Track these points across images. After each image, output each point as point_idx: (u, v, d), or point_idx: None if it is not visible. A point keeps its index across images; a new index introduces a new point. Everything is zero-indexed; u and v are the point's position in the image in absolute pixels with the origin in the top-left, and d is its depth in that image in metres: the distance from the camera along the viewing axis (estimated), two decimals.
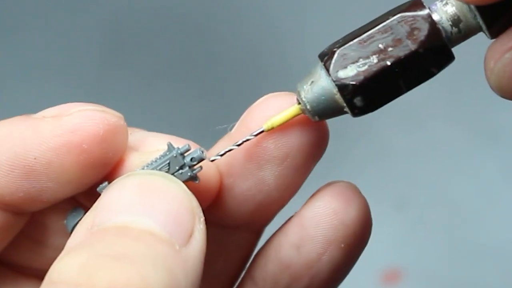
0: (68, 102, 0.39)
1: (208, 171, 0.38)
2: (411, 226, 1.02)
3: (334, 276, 0.40)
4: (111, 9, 1.20)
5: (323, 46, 0.36)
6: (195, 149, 0.37)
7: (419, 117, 1.06)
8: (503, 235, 1.03)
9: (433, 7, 0.35)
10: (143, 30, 1.20)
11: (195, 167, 0.37)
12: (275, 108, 0.38)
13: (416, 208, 1.01)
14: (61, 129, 0.36)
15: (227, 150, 0.38)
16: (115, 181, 0.34)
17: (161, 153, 0.37)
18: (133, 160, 0.38)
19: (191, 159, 0.37)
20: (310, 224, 0.39)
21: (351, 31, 0.36)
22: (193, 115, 1.11)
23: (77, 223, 0.37)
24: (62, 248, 0.38)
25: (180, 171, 0.36)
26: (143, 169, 0.37)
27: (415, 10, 0.35)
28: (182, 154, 0.37)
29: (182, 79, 1.16)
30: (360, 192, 0.40)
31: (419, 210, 1.02)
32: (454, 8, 0.35)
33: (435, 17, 0.35)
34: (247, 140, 0.38)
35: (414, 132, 1.07)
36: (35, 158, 0.36)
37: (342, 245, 0.39)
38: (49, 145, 0.36)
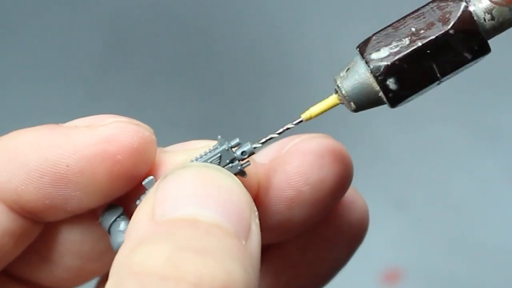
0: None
1: (249, 173, 0.38)
2: (411, 226, 1.02)
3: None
4: (111, 9, 1.20)
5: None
6: (245, 143, 0.37)
7: (419, 117, 1.06)
8: (503, 235, 1.03)
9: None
10: (143, 30, 1.20)
11: (245, 161, 0.37)
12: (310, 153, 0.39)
13: (416, 208, 1.01)
14: (96, 139, 0.36)
15: (268, 138, 0.38)
16: (171, 172, 0.34)
17: (211, 147, 0.37)
18: (179, 156, 0.38)
19: (242, 153, 0.37)
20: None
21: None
22: (193, 115, 1.11)
23: (114, 220, 0.37)
24: (70, 269, 0.40)
25: (230, 164, 0.37)
26: (193, 162, 0.37)
27: (451, 0, 0.35)
28: (232, 147, 0.37)
29: (182, 79, 1.16)
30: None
31: (419, 210, 1.02)
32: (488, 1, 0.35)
33: (471, 7, 0.35)
34: (288, 128, 0.38)
35: (414, 132, 1.07)
36: (67, 166, 0.36)
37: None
38: (83, 153, 0.36)
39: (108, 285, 0.32)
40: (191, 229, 0.32)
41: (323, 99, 0.38)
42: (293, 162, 0.39)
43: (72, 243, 0.40)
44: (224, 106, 1.15)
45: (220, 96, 1.16)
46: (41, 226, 0.39)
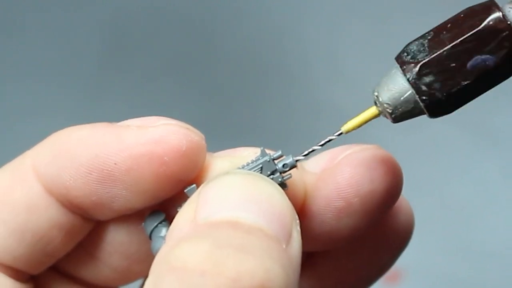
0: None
1: (296, 182, 0.38)
2: None
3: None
4: (111, 9, 1.20)
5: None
6: (287, 156, 0.38)
7: (419, 118, 1.06)
8: (503, 235, 1.03)
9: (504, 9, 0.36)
10: (144, 30, 1.20)
11: (286, 174, 0.37)
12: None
13: (416, 208, 1.01)
14: (145, 139, 0.36)
15: (310, 150, 0.38)
16: (215, 177, 0.35)
17: (253, 157, 0.38)
18: (223, 163, 0.38)
19: (283, 165, 0.37)
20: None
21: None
22: (193, 115, 1.11)
23: (156, 226, 0.38)
24: (116, 269, 0.40)
25: (271, 176, 0.37)
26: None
27: (493, 21, 0.35)
28: (274, 159, 0.37)
29: (182, 79, 1.16)
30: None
31: (419, 210, 1.01)
32: None
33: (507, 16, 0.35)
34: (330, 140, 0.38)
35: (414, 133, 1.07)
36: (115, 164, 0.36)
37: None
38: (131, 152, 0.36)
39: (147, 281, 0.32)
40: (232, 229, 0.32)
41: (362, 110, 0.38)
42: (344, 173, 0.39)
43: (119, 244, 0.40)
44: (224, 106, 1.15)
45: (220, 96, 1.16)
46: (91, 225, 0.40)
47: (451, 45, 0.35)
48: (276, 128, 1.12)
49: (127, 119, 0.39)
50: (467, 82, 0.35)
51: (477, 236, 1.03)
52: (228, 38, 1.19)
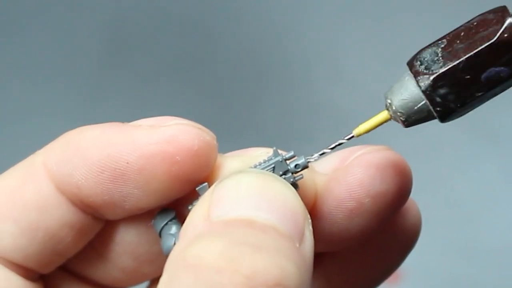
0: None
1: (307, 183, 0.39)
2: None
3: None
4: (111, 9, 1.20)
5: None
6: (300, 157, 0.38)
7: None
8: (504, 235, 1.03)
9: None
10: (144, 30, 1.20)
11: (298, 174, 0.38)
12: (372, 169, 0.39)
13: None
14: (157, 138, 0.37)
15: (321, 153, 0.39)
16: (228, 176, 0.35)
17: (265, 157, 0.38)
18: (235, 163, 0.38)
19: (295, 166, 0.38)
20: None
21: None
22: (193, 115, 1.10)
23: (166, 223, 0.38)
24: (125, 269, 0.41)
25: (283, 176, 0.37)
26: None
27: (507, 30, 0.35)
28: (286, 160, 0.38)
29: (182, 79, 1.16)
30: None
31: (420, 210, 1.02)
32: None
33: None
34: (340, 144, 0.39)
35: (415, 133, 1.07)
36: (127, 163, 0.37)
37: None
38: (143, 151, 0.36)
39: (162, 279, 0.32)
40: (247, 228, 0.32)
41: (374, 114, 0.38)
42: (355, 174, 0.39)
43: (129, 244, 0.40)
44: (224, 106, 1.15)
45: (220, 96, 1.16)
46: (101, 224, 0.40)
47: (465, 57, 0.35)
48: (276, 128, 1.12)
49: (127, 119, 0.39)
50: (481, 93, 0.35)
51: (478, 236, 1.03)
52: (229, 39, 1.19)
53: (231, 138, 1.13)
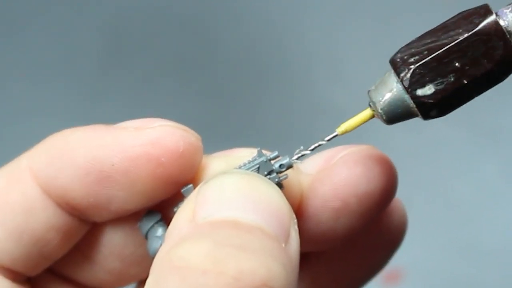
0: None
1: (292, 183, 0.39)
2: (411, 226, 1.02)
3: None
4: (111, 9, 1.20)
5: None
6: (284, 156, 0.38)
7: (419, 118, 1.06)
8: (504, 235, 1.03)
9: (500, 13, 0.36)
10: (144, 30, 1.20)
11: (282, 174, 0.38)
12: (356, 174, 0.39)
13: (416, 208, 1.01)
14: (141, 140, 0.37)
15: (300, 155, 0.39)
16: (213, 177, 0.35)
17: (250, 158, 0.38)
18: (219, 163, 0.39)
19: (280, 166, 0.38)
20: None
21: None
22: (194, 115, 1.11)
23: (152, 226, 0.38)
24: (111, 271, 0.41)
25: (268, 176, 0.37)
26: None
27: (484, 17, 0.35)
28: (271, 160, 0.38)
29: (182, 79, 1.16)
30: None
31: (419, 211, 1.02)
32: None
33: (502, 22, 0.35)
34: (320, 145, 0.39)
35: (414, 133, 1.07)
36: (113, 165, 0.37)
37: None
38: (128, 153, 0.37)
39: (148, 281, 0.32)
40: (232, 229, 0.32)
41: (358, 113, 0.38)
42: (340, 173, 0.39)
43: (114, 246, 0.41)
44: (224, 106, 1.15)
45: (221, 96, 1.16)
46: (87, 226, 0.40)
47: (444, 48, 0.35)
48: (276, 128, 1.12)
49: (127, 119, 0.39)
50: (461, 85, 0.35)
51: (477, 235, 1.03)
52: (228, 39, 1.19)
53: (231, 138, 1.13)
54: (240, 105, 1.14)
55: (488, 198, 1.06)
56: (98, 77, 1.16)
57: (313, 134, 1.21)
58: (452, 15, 0.36)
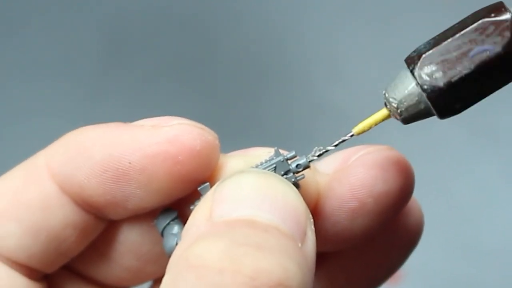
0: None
1: (309, 183, 0.39)
2: None
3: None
4: (111, 9, 1.20)
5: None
6: (301, 157, 0.38)
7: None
8: (504, 235, 1.03)
9: None
10: (144, 30, 1.20)
11: (299, 174, 0.38)
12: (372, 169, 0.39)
13: None
14: (159, 138, 0.37)
15: (324, 150, 0.39)
16: (230, 176, 0.35)
17: (267, 157, 0.38)
18: (236, 162, 0.38)
19: (297, 166, 0.38)
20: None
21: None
22: (194, 115, 1.10)
23: (168, 223, 0.38)
24: (128, 269, 0.41)
25: (285, 176, 0.37)
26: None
27: (496, 15, 0.35)
28: (288, 160, 0.38)
29: (182, 79, 1.16)
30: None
31: (422, 210, 1.02)
32: None
33: None
34: (343, 141, 0.38)
35: (415, 133, 1.07)
36: (130, 163, 0.37)
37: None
38: (145, 151, 0.37)
39: (164, 279, 0.32)
40: (249, 228, 0.32)
41: (373, 113, 0.38)
42: (358, 174, 0.39)
43: (131, 244, 0.41)
44: (224, 106, 1.15)
45: (220, 96, 1.16)
46: (103, 224, 0.40)
47: (452, 38, 0.35)
48: (276, 128, 1.12)
49: (127, 119, 0.39)
50: (468, 71, 0.35)
51: (477, 235, 1.03)
52: (229, 39, 1.19)
53: (231, 138, 1.13)
54: (240, 105, 1.14)
55: (488, 198, 1.06)
56: (99, 77, 1.16)
57: (313, 134, 1.21)
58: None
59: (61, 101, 1.13)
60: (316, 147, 0.39)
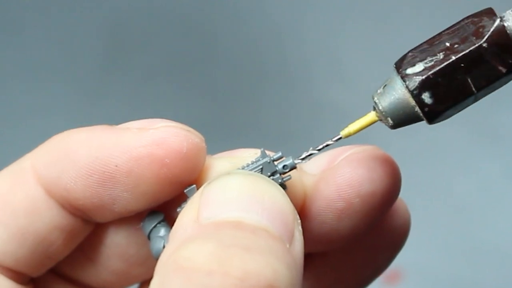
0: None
1: (295, 184, 0.39)
2: (411, 226, 1.02)
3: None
4: (111, 10, 1.20)
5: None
6: (287, 157, 0.38)
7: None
8: (504, 235, 1.03)
9: (504, 15, 0.36)
10: (144, 30, 1.20)
11: (286, 175, 0.38)
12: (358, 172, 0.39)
13: (416, 208, 1.01)
14: (146, 141, 0.37)
15: (308, 154, 0.39)
16: (216, 178, 0.35)
17: (253, 158, 0.38)
18: (223, 164, 0.38)
19: (283, 167, 0.38)
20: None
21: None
22: (194, 115, 1.11)
23: (155, 226, 0.38)
24: (115, 271, 0.41)
25: (272, 177, 0.37)
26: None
27: (481, 20, 0.35)
28: (274, 161, 0.38)
29: (182, 79, 1.16)
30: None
31: (420, 211, 1.02)
32: None
33: (505, 23, 0.35)
34: (327, 145, 0.39)
35: (415, 133, 1.07)
36: (116, 166, 0.37)
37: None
38: (132, 154, 0.37)
39: (152, 282, 0.32)
40: (237, 230, 0.32)
41: (361, 116, 0.38)
42: (344, 174, 0.39)
43: (117, 246, 0.41)
44: (224, 106, 1.15)
45: (220, 96, 1.16)
46: (90, 227, 0.40)
47: (453, 59, 0.35)
48: (276, 128, 1.12)
49: (127, 119, 0.39)
50: (468, 95, 0.35)
51: (478, 236, 1.03)
52: (228, 39, 1.19)
53: (231, 138, 1.13)
54: (240, 105, 1.14)
55: (489, 198, 1.06)
56: (98, 77, 1.16)
57: (313, 134, 1.21)
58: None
59: (61, 101, 1.13)
60: (311, 148, 0.39)
